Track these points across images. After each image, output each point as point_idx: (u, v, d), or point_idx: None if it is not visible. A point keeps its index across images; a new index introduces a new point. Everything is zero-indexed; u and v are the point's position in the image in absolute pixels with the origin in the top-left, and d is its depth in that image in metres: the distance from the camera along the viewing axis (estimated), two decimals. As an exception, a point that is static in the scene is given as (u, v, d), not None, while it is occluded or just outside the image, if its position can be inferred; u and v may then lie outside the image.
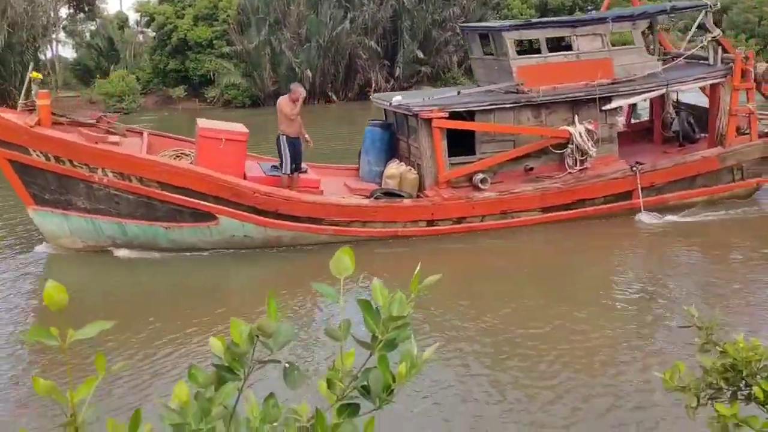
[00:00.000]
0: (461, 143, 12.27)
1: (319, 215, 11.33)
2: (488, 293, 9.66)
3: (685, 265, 10.50)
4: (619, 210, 12.20)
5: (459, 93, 12.89)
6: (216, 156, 11.02)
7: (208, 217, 11.18)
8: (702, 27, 13.19)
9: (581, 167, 12.02)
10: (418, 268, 1.71)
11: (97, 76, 38.07)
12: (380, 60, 37.34)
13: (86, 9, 43.83)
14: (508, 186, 11.89)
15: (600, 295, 9.21)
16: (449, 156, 11.91)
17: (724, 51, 12.91)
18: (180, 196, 10.96)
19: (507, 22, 14.10)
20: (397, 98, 12.63)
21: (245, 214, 11.12)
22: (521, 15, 38.59)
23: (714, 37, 12.83)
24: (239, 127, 11.86)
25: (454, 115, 11.94)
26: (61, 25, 41.97)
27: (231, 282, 10.94)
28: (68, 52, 43.83)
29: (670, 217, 12.15)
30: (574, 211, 12.01)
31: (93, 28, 42.98)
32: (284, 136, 11.39)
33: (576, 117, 12.08)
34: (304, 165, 12.16)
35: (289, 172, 11.44)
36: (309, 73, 34.06)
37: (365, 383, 1.50)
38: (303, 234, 11.38)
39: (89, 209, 11.21)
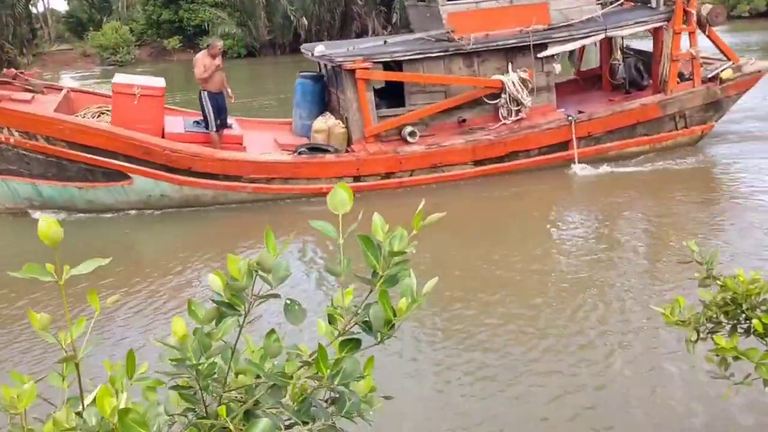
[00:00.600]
0: (391, 95, 11.92)
1: (235, 172, 10.90)
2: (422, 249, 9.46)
3: (618, 214, 10.02)
4: (555, 162, 11.72)
5: (385, 42, 12.35)
6: (130, 111, 10.52)
7: (121, 176, 10.72)
8: None
9: (516, 118, 11.54)
10: (422, 204, 1.70)
11: (90, 28, 37.55)
12: (377, 6, 36.73)
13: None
14: (440, 139, 11.43)
15: (530, 243, 8.95)
16: (379, 108, 11.51)
17: None
18: (89, 155, 10.50)
19: None
20: (320, 48, 12.12)
21: (158, 172, 10.69)
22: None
23: None
24: (156, 81, 11.43)
25: (382, 66, 11.53)
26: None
27: (140, 241, 10.49)
28: (60, 5, 43.16)
29: (606, 168, 11.72)
30: (507, 163, 11.54)
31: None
32: (205, 92, 11.05)
33: (510, 65, 11.55)
34: (229, 120, 11.79)
35: (214, 129, 11.12)
36: (305, 21, 33.58)
37: (366, 318, 1.49)
38: (222, 192, 11.02)
39: (1, 170, 10.78)
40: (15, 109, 10.49)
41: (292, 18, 33.57)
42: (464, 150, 11.34)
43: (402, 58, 11.49)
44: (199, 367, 1.29)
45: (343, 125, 11.57)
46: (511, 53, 11.59)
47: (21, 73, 12.11)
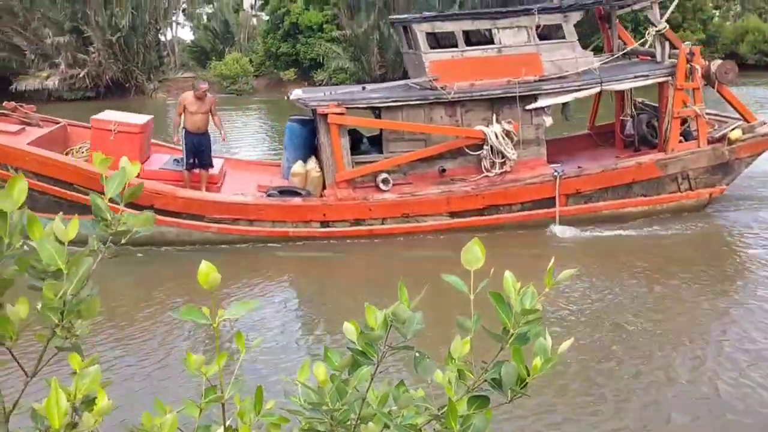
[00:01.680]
0: (372, 141, 11.73)
1: (197, 211, 10.81)
2: (328, 305, 8.98)
3: (573, 297, 8.51)
4: (538, 219, 11.09)
5: (364, 88, 12.10)
6: (108, 147, 10.43)
7: (87, 210, 10.47)
8: (648, 20, 11.93)
9: (500, 171, 11.05)
10: (552, 261, 1.69)
11: (213, 57, 39.53)
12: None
13: (205, -7, 45.54)
14: (417, 188, 11.04)
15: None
16: (357, 154, 11.33)
17: (672, 47, 11.67)
18: (55, 187, 10.59)
19: (430, 14, 12.99)
20: (297, 92, 12.07)
21: (120, 207, 10.60)
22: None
23: (659, 30, 11.57)
24: (137, 119, 11.56)
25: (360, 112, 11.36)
26: (181, 8, 43.72)
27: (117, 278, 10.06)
28: (186, 34, 45.75)
29: (594, 231, 10.91)
30: (485, 217, 11.03)
31: (210, 11, 44.58)
32: (183, 130, 11.20)
33: (495, 116, 11.08)
34: (217, 160, 11.92)
35: (184, 167, 11.21)
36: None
37: (496, 376, 1.49)
38: (186, 231, 10.90)
39: None
40: None
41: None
42: (438, 200, 10.92)
43: (378, 105, 11.27)
44: (335, 413, 1.33)
45: (319, 169, 11.35)
46: (496, 104, 11.10)
47: (20, 106, 12.46)
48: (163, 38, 41.86)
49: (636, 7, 12.25)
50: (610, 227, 11.00)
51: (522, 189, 11.02)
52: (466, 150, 11.11)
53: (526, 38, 11.21)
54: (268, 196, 11.22)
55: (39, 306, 1.27)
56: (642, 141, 12.33)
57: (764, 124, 11.87)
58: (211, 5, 45.06)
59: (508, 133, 11.00)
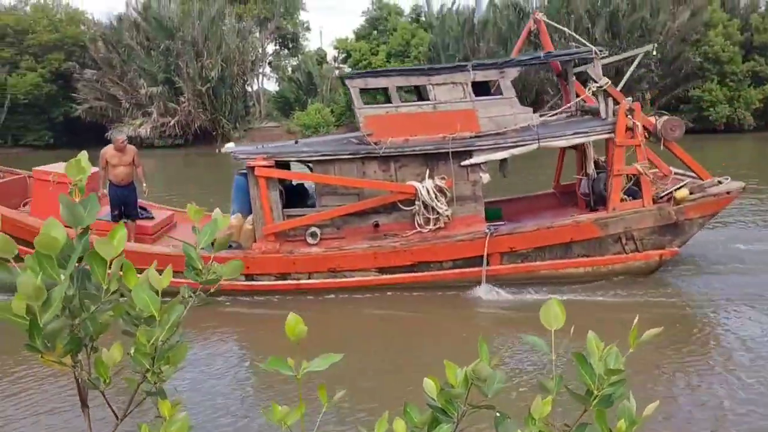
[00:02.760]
0: (308, 195, 11.59)
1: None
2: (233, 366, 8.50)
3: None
4: (469, 277, 10.68)
5: (296, 142, 12.09)
6: (46, 198, 10.69)
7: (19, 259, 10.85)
8: (589, 76, 11.44)
9: (435, 227, 10.73)
10: (636, 320, 1.65)
11: (296, 108, 40.75)
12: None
13: (290, 46, 47.26)
14: (351, 242, 10.82)
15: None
16: (291, 207, 11.15)
17: (616, 102, 11.11)
18: None
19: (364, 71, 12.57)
20: (230, 145, 11.98)
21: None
22: (723, 52, 36.27)
23: (600, 86, 11.09)
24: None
25: (283, 165, 11.26)
26: (267, 61, 45.46)
27: None
28: (271, 86, 47.43)
29: (526, 294, 10.34)
30: (415, 274, 10.72)
31: (295, 63, 46.18)
32: (108, 182, 11.26)
33: (429, 172, 10.83)
34: (163, 213, 12.24)
35: (110, 219, 11.19)
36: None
37: (579, 439, 1.46)
38: None
39: None
40: None
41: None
42: (365, 256, 10.68)
43: (307, 159, 11.17)
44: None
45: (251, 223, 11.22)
46: (431, 160, 10.83)
47: None
48: (249, 89, 43.52)
49: (582, 68, 11.92)
50: (546, 289, 10.46)
51: (452, 246, 10.72)
52: (400, 205, 10.87)
53: (462, 94, 11.00)
54: None
55: (132, 351, 1.32)
56: (599, 200, 11.74)
57: (718, 183, 11.17)
58: (296, 58, 46.68)
59: (440, 189, 10.77)
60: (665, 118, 11.23)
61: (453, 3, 41.18)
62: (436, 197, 10.71)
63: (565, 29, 12.67)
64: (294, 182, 11.95)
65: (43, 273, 1.27)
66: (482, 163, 10.88)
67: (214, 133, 38.14)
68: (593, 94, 11.46)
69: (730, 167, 21.81)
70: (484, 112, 10.99)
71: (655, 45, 11.21)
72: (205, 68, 37.21)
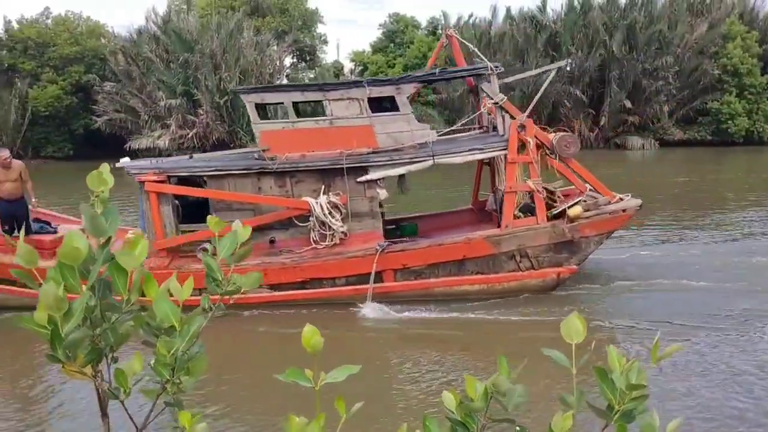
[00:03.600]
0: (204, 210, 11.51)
1: (3, 275, 10.57)
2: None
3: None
4: (363, 294, 10.50)
5: (191, 157, 12.07)
6: None
7: None
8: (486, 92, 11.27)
9: (331, 243, 10.67)
10: (658, 335, 1.64)
11: (312, 120, 40.91)
12: (584, 109, 36.54)
13: (307, 59, 47.52)
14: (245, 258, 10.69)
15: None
16: (189, 222, 11.06)
17: (513, 118, 11.00)
18: None
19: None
20: (124, 160, 11.85)
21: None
22: (741, 64, 36.04)
23: (495, 103, 10.90)
24: None
25: (184, 180, 11.13)
26: (285, 74, 45.72)
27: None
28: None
29: (416, 312, 10.17)
30: (306, 291, 10.60)
31: (312, 75, 46.41)
32: None
33: (325, 188, 10.75)
34: (72, 226, 11.55)
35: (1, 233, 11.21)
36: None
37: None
38: (3, 296, 10.81)
39: None
40: None
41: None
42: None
43: (199, 174, 11.06)
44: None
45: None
46: (327, 176, 10.76)
47: None
48: (266, 101, 43.75)
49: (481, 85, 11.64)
50: (434, 308, 10.31)
51: (343, 262, 10.57)
52: (296, 221, 10.81)
53: (359, 110, 10.88)
54: None
55: (152, 362, 1.32)
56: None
57: (615, 201, 10.90)
58: (313, 71, 46.93)
59: (335, 205, 10.71)
60: (560, 134, 11.11)
61: (470, 16, 41.31)
62: (330, 213, 10.65)
63: (470, 45, 12.54)
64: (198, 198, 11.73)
65: (65, 283, 1.27)
66: (378, 179, 10.80)
67: (231, 144, 38.34)
68: (486, 110, 11.35)
69: (749, 179, 21.57)
70: (382, 128, 10.90)
71: (569, 60, 11.14)
72: (223, 81, 37.50)
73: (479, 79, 11.47)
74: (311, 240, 10.76)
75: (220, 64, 37.77)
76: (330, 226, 10.69)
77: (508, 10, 43.22)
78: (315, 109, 11.25)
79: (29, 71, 41.09)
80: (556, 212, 10.78)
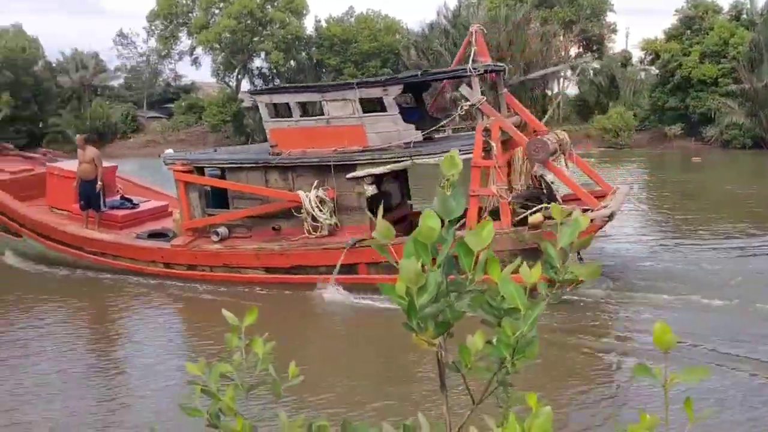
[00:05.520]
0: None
1: (75, 243, 13.13)
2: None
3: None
4: (342, 283, 11.43)
5: (216, 150, 14.15)
6: (56, 189, 13.69)
7: (18, 235, 14.10)
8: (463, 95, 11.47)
9: (322, 233, 11.67)
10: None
11: (596, 111, 39.51)
12: None
13: (594, 48, 45.93)
14: (253, 242, 12.05)
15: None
16: (216, 207, 12.62)
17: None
18: (2, 216, 14.16)
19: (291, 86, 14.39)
20: (168, 151, 13.33)
21: (31, 233, 13.73)
22: None
23: (473, 104, 11.12)
24: (72, 165, 13.78)
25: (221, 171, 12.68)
26: (570, 64, 44.69)
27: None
28: (570, 89, 46.50)
29: (359, 299, 11.05)
30: (293, 276, 11.79)
31: (597, 66, 44.74)
32: (78, 178, 13.20)
33: (319, 183, 11.71)
34: (152, 203, 14.40)
35: (80, 209, 13.30)
36: None
37: None
38: (74, 258, 13.32)
39: None
40: None
41: None
42: (249, 255, 11.92)
43: (221, 166, 12.60)
44: None
45: None
46: (321, 171, 11.66)
47: (48, 151, 16.42)
48: (549, 92, 43.23)
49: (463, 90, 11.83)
50: (374, 296, 10.70)
51: (323, 253, 11.53)
52: (295, 212, 11.83)
53: (351, 110, 11.67)
54: (137, 237, 13.01)
55: (494, 340, 1.37)
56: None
57: (598, 209, 10.52)
58: (599, 60, 45.20)
59: (322, 200, 11.58)
60: (532, 139, 11.11)
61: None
62: (318, 207, 11.63)
63: (474, 45, 12.47)
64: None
65: (419, 259, 1.38)
66: (364, 176, 11.47)
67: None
68: (464, 112, 11.82)
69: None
70: (372, 127, 11.70)
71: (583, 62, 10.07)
72: (508, 72, 37.76)
73: (459, 81, 12.23)
74: (305, 230, 12.00)
75: (506, 56, 38.01)
76: (316, 218, 11.83)
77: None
78: (322, 109, 12.53)
79: (334, 66, 45.19)
80: (519, 218, 11.00)
